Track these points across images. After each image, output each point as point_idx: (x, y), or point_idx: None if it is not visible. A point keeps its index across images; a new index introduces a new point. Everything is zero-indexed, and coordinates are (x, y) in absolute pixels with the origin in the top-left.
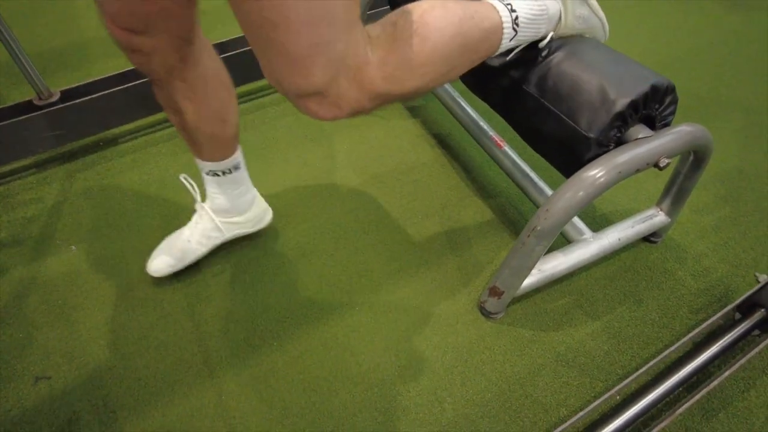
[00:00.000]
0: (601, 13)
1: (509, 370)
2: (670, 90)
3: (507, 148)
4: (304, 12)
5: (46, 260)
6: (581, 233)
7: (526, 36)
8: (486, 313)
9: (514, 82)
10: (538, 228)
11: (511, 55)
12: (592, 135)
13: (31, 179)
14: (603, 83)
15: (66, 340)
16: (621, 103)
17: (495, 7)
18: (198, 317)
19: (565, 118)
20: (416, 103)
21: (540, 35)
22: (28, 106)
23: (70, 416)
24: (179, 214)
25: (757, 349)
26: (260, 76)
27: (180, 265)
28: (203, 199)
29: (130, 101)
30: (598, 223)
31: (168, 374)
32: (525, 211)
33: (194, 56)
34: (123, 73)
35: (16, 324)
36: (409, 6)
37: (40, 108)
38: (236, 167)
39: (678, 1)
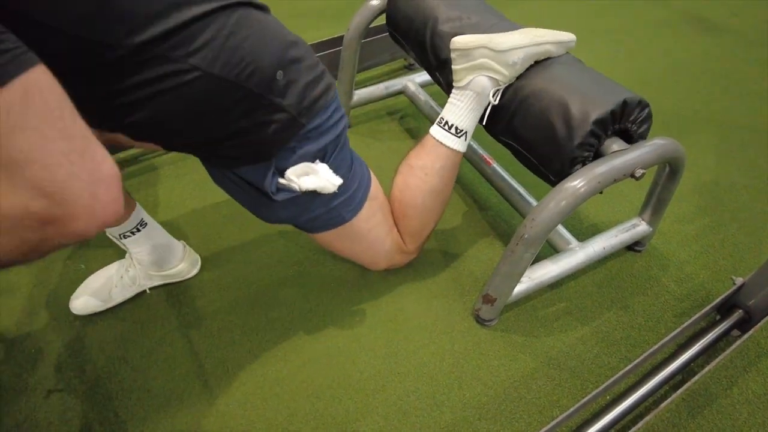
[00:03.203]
0: (541, 38)
1: (504, 375)
2: (630, 105)
3: (496, 165)
4: (362, 247)
5: (56, 279)
6: (568, 243)
7: (473, 120)
8: (480, 321)
9: (496, 134)
10: (526, 236)
11: (483, 122)
12: (555, 179)
13: None
14: (554, 128)
15: (76, 354)
16: (570, 147)
17: (437, 141)
18: (205, 330)
19: (536, 163)
20: (411, 125)
21: (485, 103)
22: None
23: (82, 427)
24: (183, 232)
25: (734, 346)
26: None
27: (104, 307)
28: None
29: None
30: (584, 233)
31: (176, 386)
32: (514, 224)
33: None
34: None
35: (28, 339)
36: (391, 196)
37: None
38: (141, 224)
39: (654, 25)
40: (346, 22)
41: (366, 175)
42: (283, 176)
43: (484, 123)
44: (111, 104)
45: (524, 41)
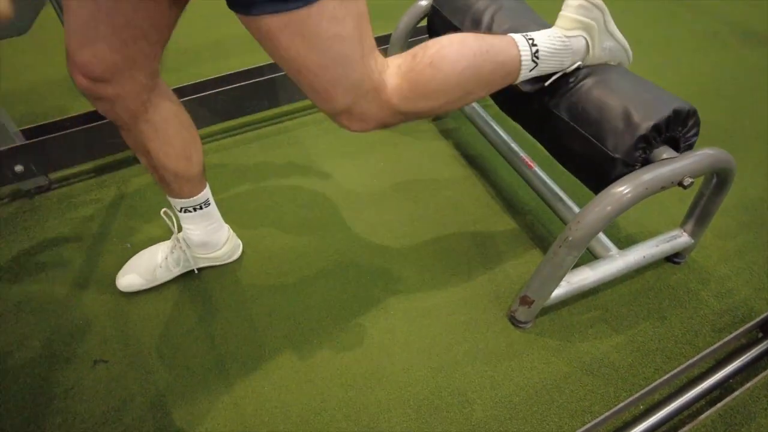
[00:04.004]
0: (625, 42)
1: (536, 377)
2: (691, 114)
3: (537, 169)
4: (318, 60)
5: (104, 255)
6: (608, 249)
7: (549, 67)
8: (515, 323)
9: (546, 107)
10: (570, 239)
11: (547, 83)
12: (617, 155)
13: (91, 182)
14: (628, 108)
15: (122, 328)
16: (644, 126)
17: (515, 42)
18: (244, 313)
19: (593, 139)
20: (449, 125)
21: (565, 66)
22: (93, 116)
23: (125, 397)
24: (226, 217)
25: None
26: (302, 98)
27: (148, 286)
28: (180, 230)
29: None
30: (624, 242)
31: (214, 365)
32: (553, 228)
33: (155, 101)
34: (180, 87)
35: (77, 311)
36: (432, 41)
37: (104, 117)
38: (206, 203)
39: (700, 37)
40: (389, 21)
41: None
42: None
43: (547, 84)
44: None
45: (620, 37)
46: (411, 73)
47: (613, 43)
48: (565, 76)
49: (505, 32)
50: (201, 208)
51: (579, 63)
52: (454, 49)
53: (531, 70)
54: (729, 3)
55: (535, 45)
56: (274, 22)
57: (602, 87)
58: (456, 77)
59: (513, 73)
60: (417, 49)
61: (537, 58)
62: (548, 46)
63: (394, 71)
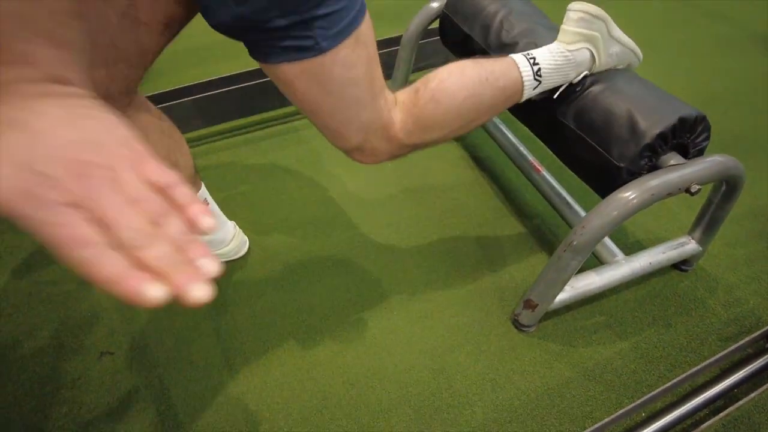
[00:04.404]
0: (632, 44)
1: (538, 381)
2: (699, 120)
3: (545, 173)
4: (331, 103)
5: None
6: (614, 255)
7: (553, 82)
8: (518, 326)
9: (553, 115)
10: (574, 243)
11: (556, 95)
12: (622, 165)
13: None
14: (634, 116)
15: (127, 322)
16: (649, 135)
17: (516, 63)
18: (248, 310)
19: (599, 148)
20: None
21: (570, 79)
22: None
23: (130, 389)
24: (234, 213)
25: None
26: None
27: None
28: None
29: (195, 112)
30: (630, 248)
31: (218, 360)
32: (560, 233)
33: (131, 115)
34: (192, 85)
35: (86, 303)
36: (432, 73)
37: None
38: (204, 203)
39: (716, 41)
40: (400, 24)
41: (360, 3)
42: None
43: (555, 96)
44: None
45: (627, 40)
46: (414, 109)
47: (619, 48)
48: (572, 84)
49: (515, 37)
50: None
51: (585, 72)
52: (454, 80)
53: (535, 89)
54: (744, 7)
55: (537, 64)
56: (291, 70)
57: (608, 94)
58: (457, 109)
59: (515, 95)
60: (419, 84)
61: (540, 76)
62: (550, 62)
63: (399, 107)
